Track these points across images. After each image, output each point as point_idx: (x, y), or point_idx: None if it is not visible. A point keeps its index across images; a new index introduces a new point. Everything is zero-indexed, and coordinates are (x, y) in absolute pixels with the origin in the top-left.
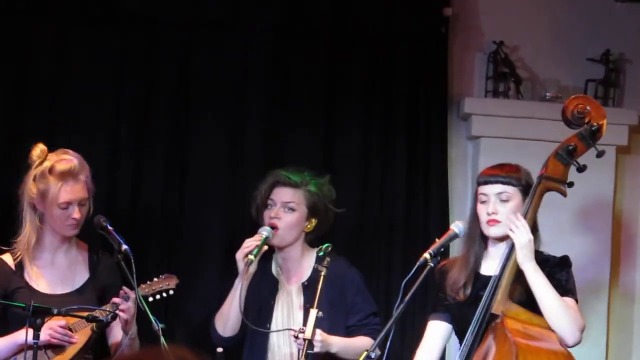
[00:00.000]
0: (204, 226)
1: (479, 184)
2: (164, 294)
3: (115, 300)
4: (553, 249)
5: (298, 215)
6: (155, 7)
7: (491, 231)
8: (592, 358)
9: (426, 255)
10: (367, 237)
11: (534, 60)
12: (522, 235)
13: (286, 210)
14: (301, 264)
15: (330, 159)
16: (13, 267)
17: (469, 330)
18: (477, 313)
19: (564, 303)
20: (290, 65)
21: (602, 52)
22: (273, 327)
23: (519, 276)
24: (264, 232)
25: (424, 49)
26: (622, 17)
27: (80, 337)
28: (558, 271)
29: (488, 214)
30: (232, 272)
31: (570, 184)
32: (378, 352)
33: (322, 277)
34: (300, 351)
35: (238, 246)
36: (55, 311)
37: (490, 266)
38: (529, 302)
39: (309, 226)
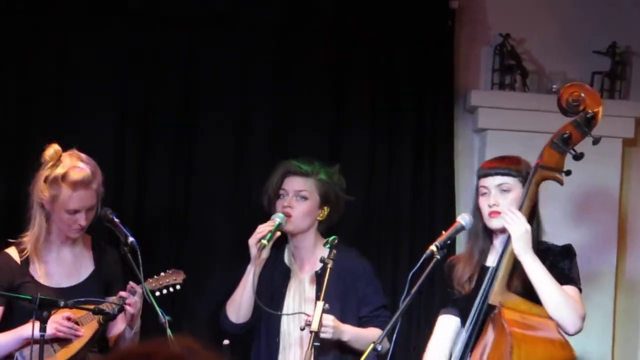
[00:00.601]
0: (210, 223)
1: (479, 177)
2: (171, 289)
3: (122, 294)
4: (559, 241)
5: (310, 204)
6: (159, 6)
7: (493, 223)
8: (598, 349)
9: (432, 247)
10: (373, 230)
11: (540, 53)
12: (517, 227)
13: (299, 199)
14: (314, 253)
15: (337, 151)
16: (19, 261)
17: (467, 322)
18: (475, 304)
19: (563, 292)
20: (295, 58)
21: (608, 44)
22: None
23: (518, 267)
24: (277, 218)
25: (430, 42)
26: (629, 9)
27: (87, 331)
28: (561, 260)
29: (489, 206)
30: (240, 266)
31: (568, 172)
32: (387, 344)
33: (328, 269)
34: (309, 342)
35: (245, 239)
36: (62, 303)
37: (494, 258)
38: (529, 293)
39: (321, 214)
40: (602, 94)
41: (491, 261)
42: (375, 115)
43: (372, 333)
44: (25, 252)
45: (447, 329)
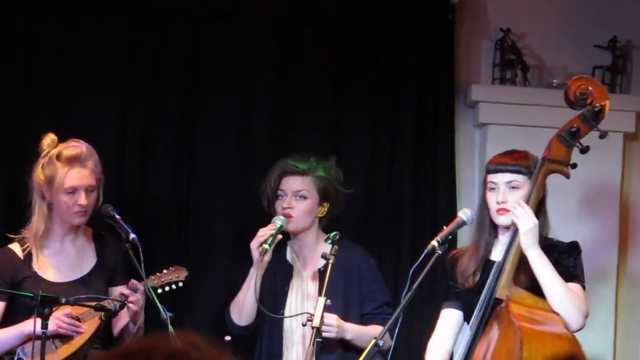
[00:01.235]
0: (212, 217)
1: (488, 172)
2: (173, 286)
3: (124, 291)
4: (560, 235)
5: (310, 202)
6: (159, 5)
7: (501, 220)
8: (600, 343)
9: (434, 242)
10: (374, 225)
11: (541, 48)
12: (525, 221)
13: (298, 198)
14: (316, 251)
15: (338, 147)
16: (21, 256)
17: (473, 315)
18: (481, 298)
19: (568, 289)
20: (297, 52)
21: (609, 38)
22: (287, 312)
23: (524, 262)
24: (278, 221)
25: (431, 36)
26: (630, 3)
27: (88, 327)
28: (566, 257)
29: (498, 203)
30: (241, 263)
31: (574, 166)
32: (389, 341)
33: (330, 265)
34: (310, 338)
35: (246, 236)
36: (63, 300)
37: (499, 253)
38: (534, 288)
39: (322, 211)
40: None
41: (495, 255)
42: (376, 111)
43: (375, 330)
44: (28, 246)
45: (450, 323)
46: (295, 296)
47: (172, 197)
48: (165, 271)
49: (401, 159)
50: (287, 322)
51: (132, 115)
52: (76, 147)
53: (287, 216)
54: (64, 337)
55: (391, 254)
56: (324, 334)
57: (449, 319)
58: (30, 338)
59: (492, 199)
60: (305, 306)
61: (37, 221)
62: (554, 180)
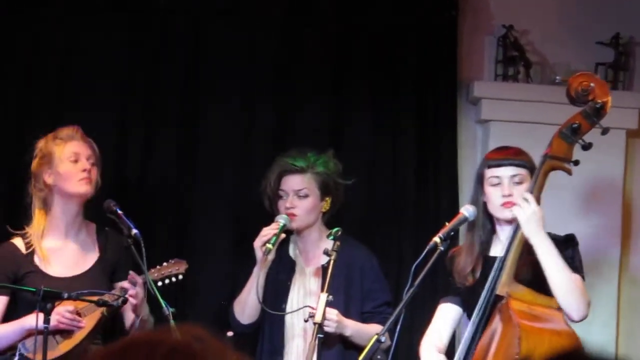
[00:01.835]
0: (213, 213)
1: (490, 166)
2: (173, 279)
3: (124, 285)
4: (563, 232)
5: (313, 199)
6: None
7: (506, 214)
8: (602, 340)
9: (436, 239)
10: (377, 221)
11: (543, 44)
12: (524, 211)
13: (300, 197)
14: (319, 247)
15: (340, 144)
16: (24, 251)
17: (474, 312)
18: (482, 295)
19: (572, 277)
20: (299, 47)
21: (611, 35)
22: (288, 308)
23: (526, 255)
24: (281, 219)
25: (433, 32)
26: (632, 0)
27: (89, 322)
28: (564, 249)
29: (504, 196)
30: (242, 260)
31: (576, 162)
32: (389, 341)
33: (332, 261)
34: (312, 333)
35: (248, 233)
36: (65, 295)
37: (499, 249)
38: (536, 282)
39: (324, 206)
40: None
41: (495, 251)
42: (378, 108)
43: (374, 329)
44: (30, 242)
45: (446, 317)
46: (297, 292)
47: (174, 194)
48: (165, 264)
49: (403, 156)
50: (288, 317)
51: (133, 114)
52: (70, 127)
53: (291, 215)
54: (64, 332)
55: (393, 251)
56: (324, 329)
57: (446, 313)
58: (31, 333)
59: (495, 193)
60: (307, 302)
61: (37, 216)
62: (557, 177)
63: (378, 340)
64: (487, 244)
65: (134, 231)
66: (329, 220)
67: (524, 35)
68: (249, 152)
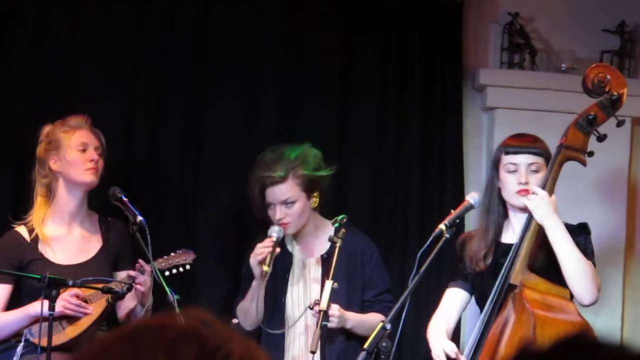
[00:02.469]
0: (219, 200)
1: (508, 153)
2: (181, 269)
3: (131, 273)
4: (568, 219)
5: (301, 202)
6: None
7: (522, 201)
8: (607, 329)
9: (442, 226)
10: (382, 209)
11: (549, 32)
12: (534, 198)
13: (287, 205)
14: (318, 237)
15: (346, 132)
16: (28, 239)
17: (488, 300)
18: (496, 283)
19: (584, 260)
20: (305, 38)
21: (617, 23)
22: (288, 300)
23: (540, 243)
24: (274, 233)
25: (439, 20)
26: None
27: (95, 309)
28: (576, 235)
29: (520, 184)
30: (246, 250)
31: (591, 153)
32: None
33: (337, 249)
34: (317, 322)
35: (252, 225)
36: (70, 282)
37: (511, 235)
38: (550, 269)
39: (314, 202)
40: None
41: (507, 238)
42: (384, 94)
43: (374, 318)
44: (34, 229)
45: (454, 301)
46: (297, 284)
47: (180, 180)
48: (172, 254)
49: (409, 143)
50: (289, 309)
51: (140, 98)
52: (77, 115)
53: (283, 225)
54: (71, 319)
55: (399, 238)
56: (330, 324)
57: (454, 297)
58: (36, 320)
59: (511, 179)
60: (307, 293)
61: (39, 204)
62: (566, 165)
63: (383, 328)
64: (499, 230)
65: (139, 218)
66: (335, 210)
67: (530, 22)
68: (257, 138)
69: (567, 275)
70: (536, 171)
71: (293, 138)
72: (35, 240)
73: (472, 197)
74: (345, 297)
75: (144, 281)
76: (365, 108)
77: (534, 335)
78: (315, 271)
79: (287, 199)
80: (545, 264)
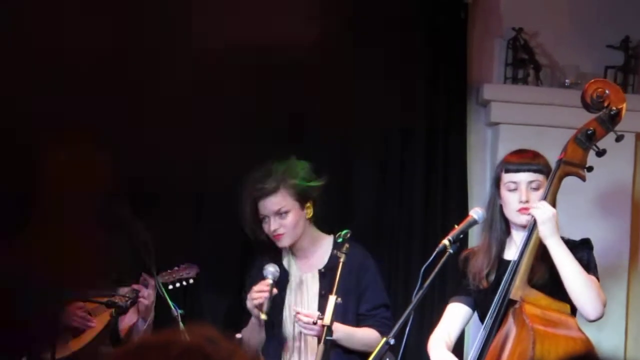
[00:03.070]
0: (225, 216)
1: (508, 171)
2: (184, 283)
3: (135, 286)
4: (572, 235)
5: (294, 213)
6: None
7: (523, 219)
8: (610, 344)
9: (445, 241)
10: (386, 224)
11: (553, 47)
12: (543, 211)
13: (281, 216)
14: (316, 251)
15: (349, 147)
16: None
17: (487, 315)
18: (496, 298)
19: (587, 277)
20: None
21: (621, 38)
22: (286, 317)
23: (541, 258)
24: (269, 275)
25: (443, 34)
26: None
27: (98, 323)
28: (579, 251)
29: (521, 202)
30: (252, 261)
31: (590, 169)
32: (392, 357)
33: (340, 264)
34: (320, 338)
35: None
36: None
37: (514, 252)
38: (551, 285)
39: (308, 212)
40: None
41: (509, 254)
42: (388, 110)
43: (365, 333)
44: None
45: (455, 316)
46: (294, 300)
47: (186, 193)
48: (176, 268)
49: (413, 158)
50: (287, 326)
51: None
52: None
53: (278, 236)
54: (75, 331)
55: (403, 253)
56: (304, 331)
57: (456, 312)
58: None
59: (512, 198)
60: (305, 308)
61: None
62: (566, 180)
63: (387, 343)
64: (502, 246)
65: (144, 232)
66: (339, 224)
67: (534, 37)
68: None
69: (572, 292)
70: (536, 188)
71: (300, 150)
72: None
73: (476, 212)
74: (342, 311)
75: (147, 294)
76: (369, 122)
77: (534, 350)
78: (313, 286)
79: (280, 208)
80: (546, 279)
